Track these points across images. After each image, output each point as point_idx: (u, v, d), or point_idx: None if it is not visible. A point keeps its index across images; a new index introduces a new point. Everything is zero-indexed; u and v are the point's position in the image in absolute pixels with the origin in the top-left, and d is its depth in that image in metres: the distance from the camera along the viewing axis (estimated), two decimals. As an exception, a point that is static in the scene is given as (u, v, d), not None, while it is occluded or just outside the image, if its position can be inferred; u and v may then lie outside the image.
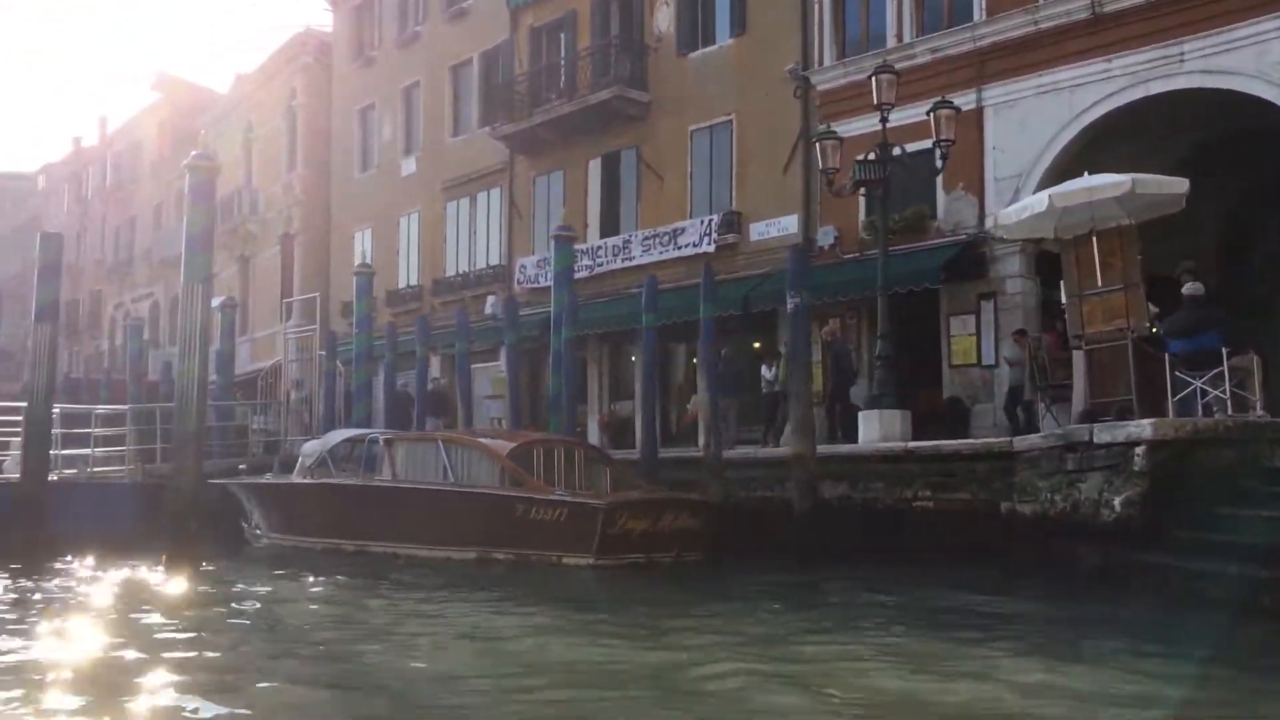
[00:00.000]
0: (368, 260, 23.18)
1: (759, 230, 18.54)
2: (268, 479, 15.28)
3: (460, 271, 24.63)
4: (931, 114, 13.60)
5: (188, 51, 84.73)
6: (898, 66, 14.84)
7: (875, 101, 13.93)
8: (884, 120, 13.88)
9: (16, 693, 5.82)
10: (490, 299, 23.32)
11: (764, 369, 16.30)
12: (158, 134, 39.50)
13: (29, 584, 11.17)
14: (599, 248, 20.99)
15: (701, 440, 14.77)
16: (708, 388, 15.19)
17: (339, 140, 29.10)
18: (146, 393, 22.64)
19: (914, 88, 15.23)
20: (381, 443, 13.38)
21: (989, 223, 15.41)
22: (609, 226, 21.27)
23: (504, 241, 23.66)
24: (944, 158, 13.62)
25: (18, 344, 44.31)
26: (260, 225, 31.60)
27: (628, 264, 20.55)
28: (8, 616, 9.11)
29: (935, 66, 16.09)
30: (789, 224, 18.15)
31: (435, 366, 22.68)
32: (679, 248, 19.58)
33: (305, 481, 13.98)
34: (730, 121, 19.17)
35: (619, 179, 21.34)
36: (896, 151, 13.75)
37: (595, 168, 21.70)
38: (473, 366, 20.21)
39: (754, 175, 18.69)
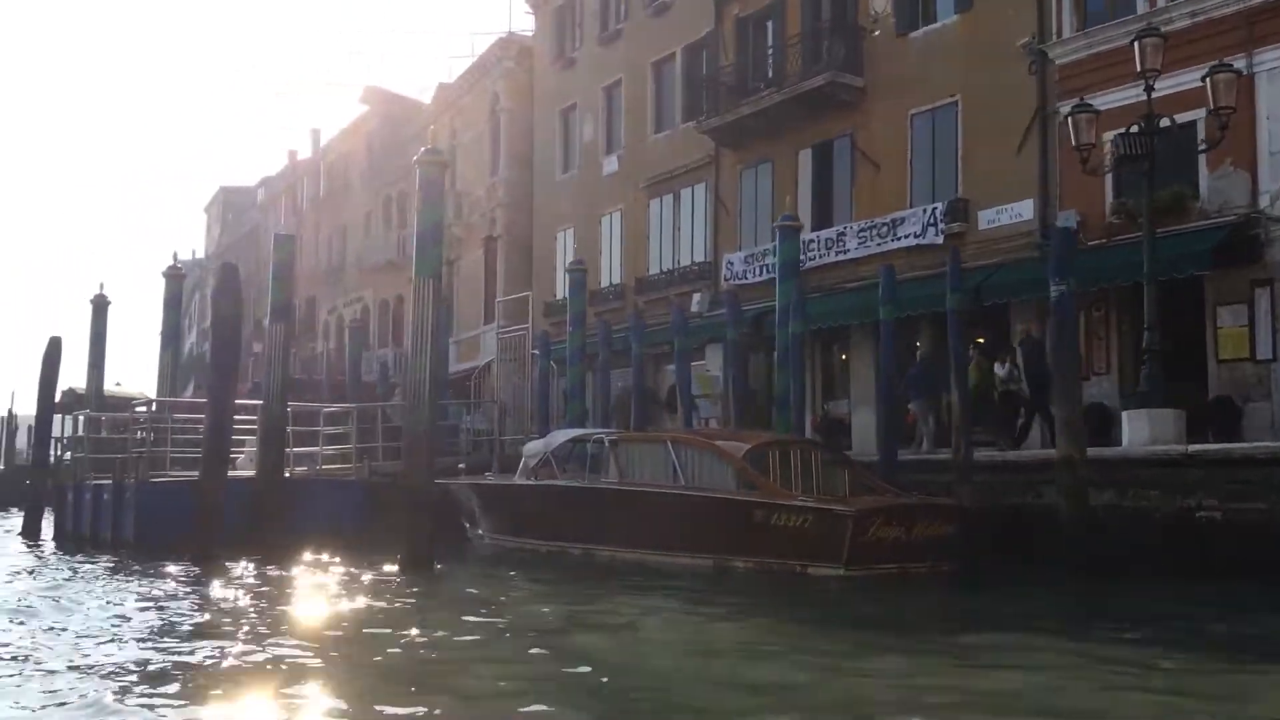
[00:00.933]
0: (579, 259, 23.00)
1: (988, 217, 17.33)
2: (489, 479, 15.22)
3: (664, 270, 24.29)
4: (1208, 79, 12.21)
5: (395, 62, 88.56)
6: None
7: (1139, 68, 12.63)
8: (1149, 89, 12.60)
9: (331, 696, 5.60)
10: (696, 297, 22.85)
11: (997, 367, 15.16)
12: (365, 145, 41.06)
13: (282, 582, 11.34)
14: (811, 241, 20.14)
15: (951, 440, 13.72)
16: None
17: (541, 142, 29.31)
18: (364, 393, 23.28)
19: (1172, 54, 13.79)
20: (607, 443, 13.03)
21: (1264, 201, 13.85)
22: (821, 219, 20.42)
23: (709, 238, 23.15)
24: (1223, 127, 12.21)
25: (242, 349, 47.15)
26: (465, 229, 32.23)
27: (842, 257, 19.67)
28: (285, 610, 9.21)
29: (1196, 31, 14.57)
30: (1023, 209, 16.87)
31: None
32: (898, 239, 18.55)
33: (529, 483, 13.79)
34: (955, 103, 18.03)
35: (831, 169, 20.48)
36: (1164, 123, 12.41)
37: (806, 158, 20.90)
38: (670, 367, 19.81)
39: (982, 159, 17.49)
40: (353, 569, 12.22)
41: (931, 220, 17.96)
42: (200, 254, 60.29)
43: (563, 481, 13.22)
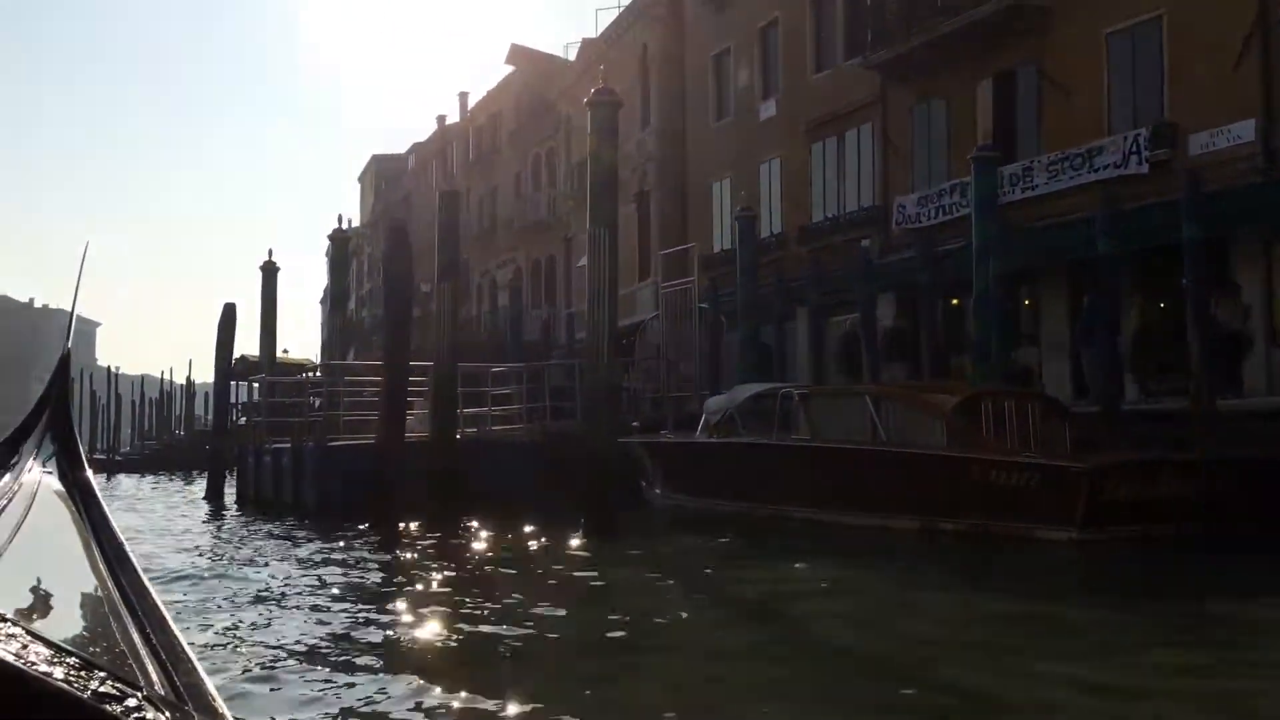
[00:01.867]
0: (746, 206, 22.05)
1: (1201, 142, 15.65)
2: (666, 437, 14.63)
3: (828, 216, 23.18)
4: None
5: (541, 21, 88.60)
6: None
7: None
8: None
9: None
10: (864, 243, 21.68)
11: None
12: (513, 106, 40.91)
13: (465, 547, 11.05)
14: (992, 178, 18.74)
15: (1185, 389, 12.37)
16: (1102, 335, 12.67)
17: (693, 91, 28.43)
18: (525, 353, 23.05)
19: None
20: (796, 397, 12.24)
21: None
22: (1004, 154, 18.94)
23: (877, 181, 21.92)
24: None
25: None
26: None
27: (1029, 194, 18.23)
28: (475, 576, 8.86)
29: None
30: (1243, 131, 15.16)
31: (791, 320, 21.37)
32: (1095, 170, 17.00)
33: (712, 440, 13.13)
34: (1159, 18, 16.32)
35: (1014, 100, 18.98)
36: None
37: (985, 90, 19.43)
38: (838, 320, 18.79)
39: (1193, 78, 15.78)
40: (534, 533, 11.83)
41: (1134, 148, 16.37)
42: (356, 222, 61.76)
43: (749, 439, 12.49)
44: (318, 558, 10.59)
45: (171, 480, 29.11)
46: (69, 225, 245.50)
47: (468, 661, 5.65)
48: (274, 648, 5.98)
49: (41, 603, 1.80)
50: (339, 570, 9.63)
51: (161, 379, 48.21)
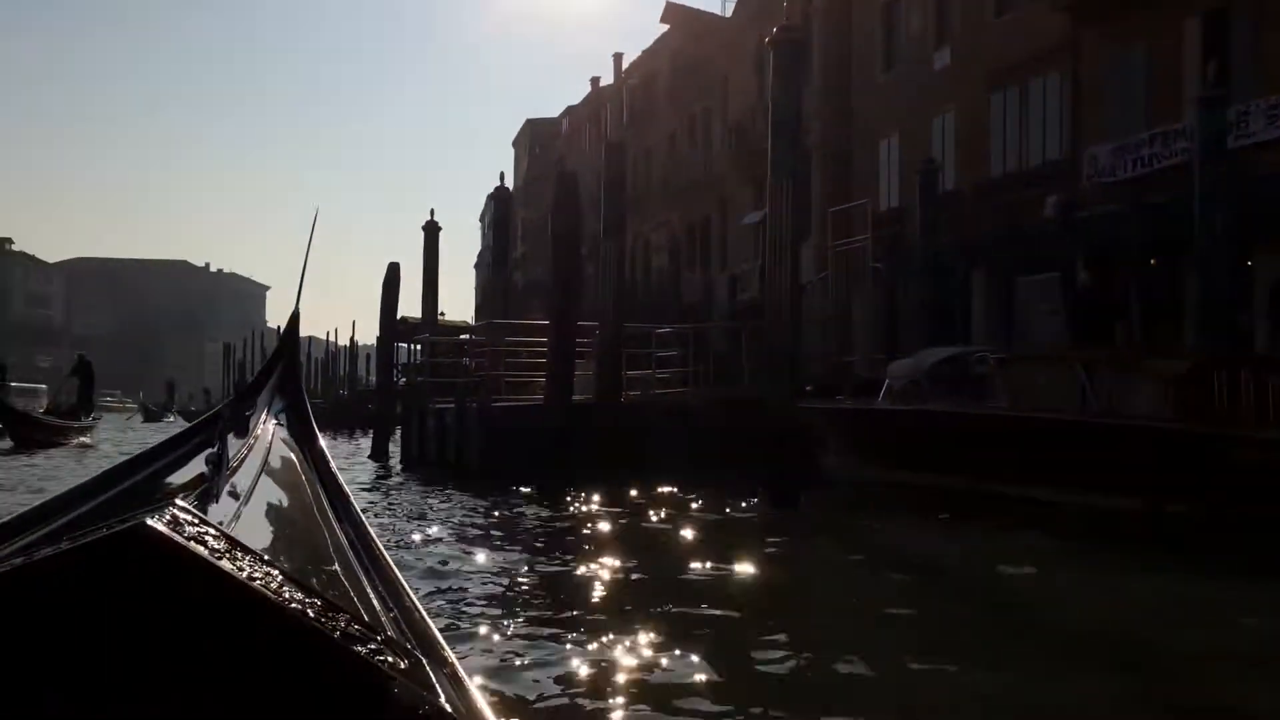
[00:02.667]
0: (929, 158, 20.81)
1: None
2: (844, 404, 13.77)
3: (1007, 171, 21.71)
4: None
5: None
6: None
7: None
8: None
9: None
10: (1050, 200, 20.18)
11: None
12: (668, 65, 40.19)
13: (637, 514, 10.57)
14: (1200, 126, 17.04)
15: None
16: None
17: (860, 42, 27.14)
18: (685, 316, 22.48)
19: None
20: (992, 362, 11.26)
21: None
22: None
23: (1065, 131, 20.34)
24: None
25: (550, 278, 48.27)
26: (775, 143, 30.65)
27: (1243, 142, 16.48)
28: (651, 546, 8.35)
29: None
30: None
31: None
32: (1326, 114, 15.23)
33: (898, 408, 12.24)
34: None
35: (1227, 39, 17.18)
36: None
37: (1192, 29, 17.68)
38: (1024, 279, 17.45)
39: None
40: (707, 501, 11.26)
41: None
42: (510, 188, 62.30)
43: (942, 407, 11.55)
44: (487, 520, 10.37)
45: (336, 440, 29.85)
46: (234, 192, 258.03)
47: (659, 637, 5.10)
48: (454, 609, 5.85)
49: (285, 547, 1.84)
50: (511, 533, 9.36)
51: (327, 340, 49.83)
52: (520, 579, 6.82)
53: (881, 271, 18.11)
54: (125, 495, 2.30)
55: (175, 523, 1.04)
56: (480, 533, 9.28)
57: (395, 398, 20.95)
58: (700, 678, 4.44)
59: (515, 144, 64.62)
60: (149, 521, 1.00)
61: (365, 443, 24.50)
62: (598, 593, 6.42)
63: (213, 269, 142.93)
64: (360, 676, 1.04)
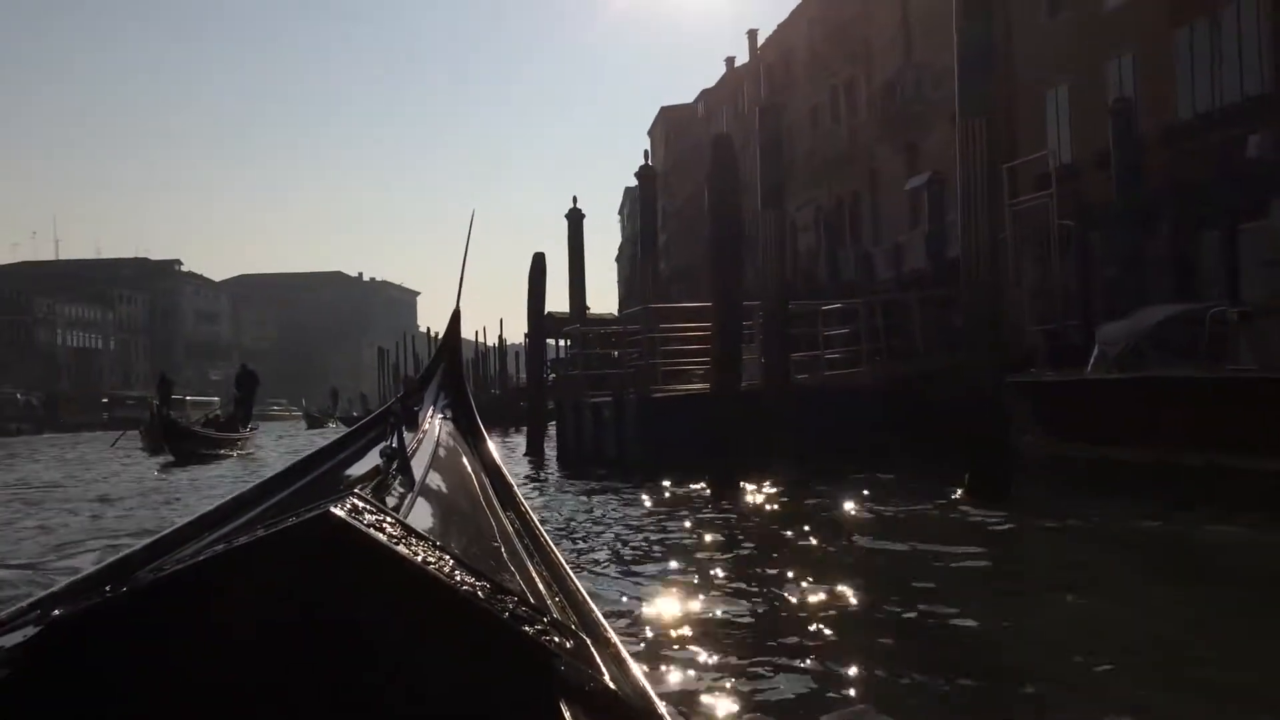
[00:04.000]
0: (1123, 95, 18.90)
1: None
2: (1043, 375, 12.32)
3: (1198, 112, 19.57)
4: None
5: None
6: None
7: None
8: None
9: None
10: (1252, 139, 18.06)
11: None
12: (806, 38, 38.67)
13: (820, 508, 9.52)
14: None
15: None
16: None
17: (1019, -13, 25.13)
18: (843, 292, 21.17)
19: None
20: (1235, 318, 9.70)
21: None
22: None
23: (1265, 64, 18.15)
24: None
25: (694, 263, 47.23)
26: (927, 106, 28.90)
27: None
28: (841, 546, 7.32)
29: None
30: None
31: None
32: None
33: (1119, 377, 10.73)
34: None
35: None
36: None
37: None
38: (1247, 226, 15.47)
39: None
40: (897, 492, 10.11)
41: None
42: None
43: (1174, 373, 10.00)
44: (654, 516, 9.61)
45: (489, 438, 29.41)
46: (383, 203, 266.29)
47: (871, 661, 4.16)
48: (622, 600, 5.68)
49: (454, 533, 1.87)
50: (682, 529, 8.60)
51: (475, 340, 50.05)
52: (691, 578, 6.31)
53: (1071, 229, 16.42)
54: (310, 486, 2.47)
55: (355, 510, 1.10)
56: (648, 529, 8.71)
57: (547, 393, 20.38)
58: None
59: (650, 133, 63.96)
60: (333, 510, 1.08)
61: (518, 440, 24.27)
62: (777, 595, 5.77)
63: (365, 278, 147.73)
64: (528, 654, 1.09)
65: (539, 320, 18.64)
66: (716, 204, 10.85)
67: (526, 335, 21.50)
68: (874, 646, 4.55)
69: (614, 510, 10.27)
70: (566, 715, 1.09)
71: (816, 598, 5.55)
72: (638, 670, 1.43)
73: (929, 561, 6.69)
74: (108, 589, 1.12)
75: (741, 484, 10.70)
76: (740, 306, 11.30)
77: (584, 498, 11.88)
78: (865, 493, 10.05)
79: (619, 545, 7.89)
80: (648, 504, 10.48)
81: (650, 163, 19.96)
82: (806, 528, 8.17)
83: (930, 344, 15.31)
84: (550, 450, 18.94)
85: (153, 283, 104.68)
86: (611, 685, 1.25)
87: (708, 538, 7.98)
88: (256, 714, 1.05)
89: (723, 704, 3.85)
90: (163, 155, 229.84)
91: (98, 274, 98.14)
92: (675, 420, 13.07)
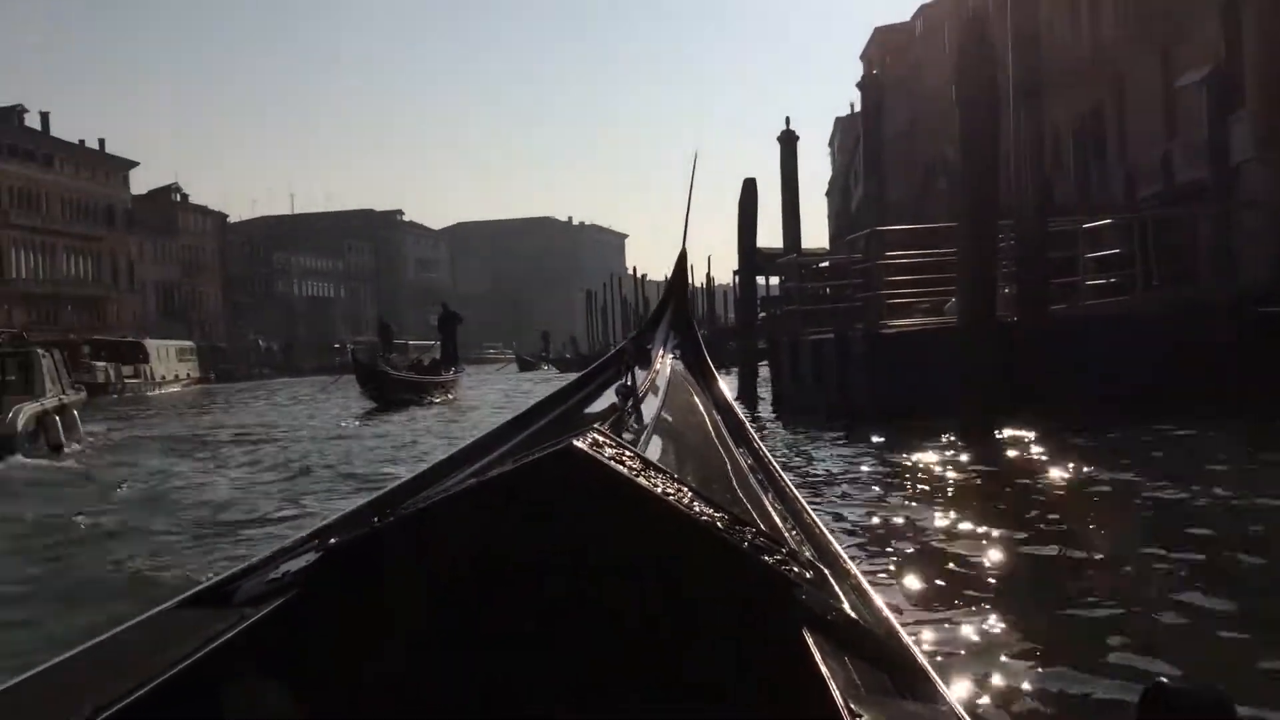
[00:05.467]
0: None
1: None
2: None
3: None
4: None
5: None
6: None
7: None
8: None
9: None
10: None
11: None
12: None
13: (1119, 458, 7.89)
14: None
15: None
16: None
17: None
18: (1095, 215, 18.56)
19: None
20: None
21: None
22: None
23: None
24: None
25: (909, 195, 44.24)
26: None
27: None
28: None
29: None
30: None
31: None
32: None
33: None
34: None
35: None
36: None
37: None
38: None
39: None
40: (1197, 446, 8.23)
41: None
42: (859, 106, 58.54)
43: None
44: (890, 469, 8.51)
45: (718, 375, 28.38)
46: (590, 147, 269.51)
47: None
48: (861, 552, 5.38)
49: (689, 468, 1.88)
50: (926, 487, 7.53)
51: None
52: (939, 529, 5.88)
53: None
54: (552, 425, 2.59)
55: (596, 444, 1.13)
56: (885, 485, 7.88)
57: (757, 332, 18.93)
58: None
59: (863, 58, 60.58)
60: (575, 443, 1.11)
61: (730, 382, 23.71)
62: (1039, 554, 5.29)
63: (574, 222, 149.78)
64: (768, 584, 1.11)
65: (750, 253, 17.12)
66: (968, 103, 8.97)
67: (735, 272, 20.08)
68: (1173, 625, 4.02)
69: (841, 460, 9.47)
70: (810, 644, 1.08)
71: (1081, 554, 5.09)
72: (880, 600, 1.42)
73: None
74: (375, 520, 1.19)
75: (998, 432, 9.08)
76: (995, 226, 9.48)
77: (807, 446, 10.89)
78: (1153, 451, 8.26)
79: (851, 496, 7.35)
80: (881, 454, 9.37)
81: (849, 106, 17.93)
82: (1083, 487, 6.91)
83: (1218, 268, 12.87)
84: (764, 394, 17.59)
85: (377, 232, 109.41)
86: (853, 614, 1.27)
87: (958, 492, 7.20)
88: (508, 636, 1.11)
89: (967, 641, 3.80)
90: (384, 112, 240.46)
91: (328, 225, 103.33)
92: (912, 358, 11.41)
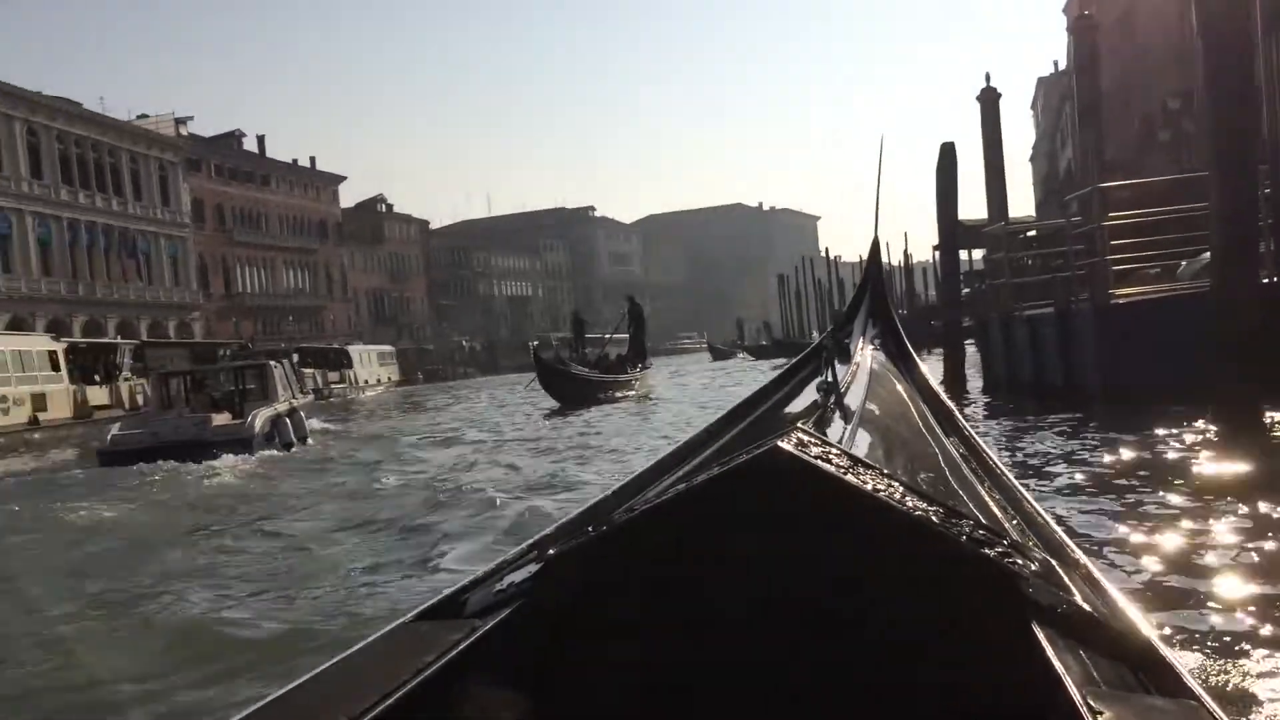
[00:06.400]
0: None
1: None
2: None
3: None
4: None
5: None
6: None
7: None
8: None
9: None
10: None
11: None
12: None
13: None
14: None
15: None
16: None
17: None
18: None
19: None
20: None
21: None
22: None
23: None
24: None
25: (1125, 153, 40.71)
26: None
27: None
28: None
29: None
30: None
31: None
32: None
33: None
34: None
35: None
36: None
37: None
38: None
39: None
40: None
41: None
42: (1062, 64, 54.72)
43: None
44: (1137, 460, 7.38)
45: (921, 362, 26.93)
46: (776, 130, 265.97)
47: None
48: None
49: (899, 462, 1.85)
50: (1183, 481, 6.42)
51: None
52: (1187, 536, 5.09)
53: None
54: (753, 426, 2.62)
55: (801, 444, 1.12)
56: (1122, 477, 6.86)
57: (962, 309, 17.46)
58: None
59: (1066, 9, 56.67)
60: (780, 444, 1.11)
61: (933, 365, 22.43)
62: None
63: (765, 207, 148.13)
64: (992, 577, 1.07)
65: (951, 224, 15.69)
66: (1211, 21, 7.51)
67: (935, 247, 18.64)
68: None
69: (1067, 449, 8.46)
70: (1040, 637, 1.05)
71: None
72: (1114, 591, 1.35)
73: None
74: (590, 529, 1.23)
75: (1269, 415, 7.66)
76: (1254, 174, 7.99)
77: (1026, 434, 9.73)
78: None
79: (1082, 489, 6.64)
80: (1115, 443, 8.17)
81: (1052, 64, 16.13)
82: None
83: None
84: (973, 377, 16.17)
85: (571, 230, 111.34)
86: (1086, 606, 1.21)
87: (1215, 485, 6.19)
88: (722, 640, 1.12)
89: (1219, 637, 3.49)
90: (575, 113, 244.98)
91: (523, 226, 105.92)
92: (1149, 332, 9.96)
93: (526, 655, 1.17)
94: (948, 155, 15.17)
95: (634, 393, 22.82)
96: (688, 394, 23.38)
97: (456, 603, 1.35)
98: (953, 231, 16.13)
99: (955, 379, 15.78)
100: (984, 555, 1.06)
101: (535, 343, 28.48)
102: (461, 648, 1.15)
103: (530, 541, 1.57)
